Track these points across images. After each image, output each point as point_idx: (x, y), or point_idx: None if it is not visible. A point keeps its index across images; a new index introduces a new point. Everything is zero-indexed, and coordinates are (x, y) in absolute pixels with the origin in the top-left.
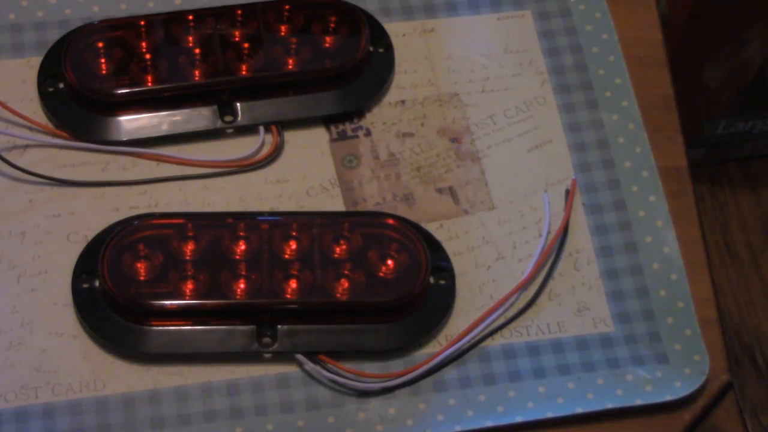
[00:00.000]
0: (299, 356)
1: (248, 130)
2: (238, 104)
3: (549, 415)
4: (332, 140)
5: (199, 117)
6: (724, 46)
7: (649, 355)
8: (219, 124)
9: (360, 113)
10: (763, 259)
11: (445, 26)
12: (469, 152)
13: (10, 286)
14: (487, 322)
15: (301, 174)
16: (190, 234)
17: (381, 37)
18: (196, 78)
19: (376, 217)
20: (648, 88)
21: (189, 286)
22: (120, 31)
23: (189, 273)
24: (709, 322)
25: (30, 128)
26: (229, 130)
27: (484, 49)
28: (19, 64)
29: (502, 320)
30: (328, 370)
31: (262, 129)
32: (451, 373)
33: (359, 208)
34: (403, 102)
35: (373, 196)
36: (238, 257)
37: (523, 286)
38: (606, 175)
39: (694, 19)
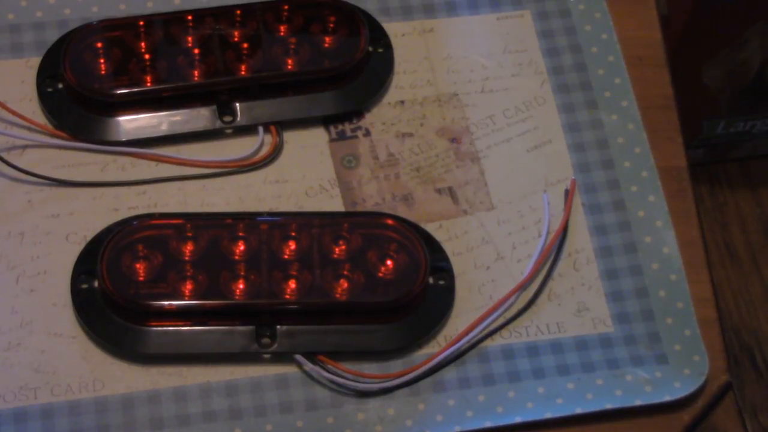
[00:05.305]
0: (298, 357)
1: (247, 130)
2: (237, 104)
3: (548, 415)
4: (331, 140)
5: (198, 117)
6: (724, 46)
7: (649, 355)
8: (218, 124)
9: (359, 113)
10: (763, 259)
11: (444, 26)
12: (468, 152)
13: (9, 287)
14: (487, 322)
15: (300, 174)
16: (189, 234)
17: (380, 37)
18: (195, 78)
19: (376, 217)
20: (647, 88)
21: (188, 286)
22: (119, 32)
23: (188, 273)
24: (709, 323)
25: (29, 128)
26: (228, 131)
27: (484, 49)
28: (18, 64)
29: (501, 321)
30: (328, 371)
31: (261, 129)
32: (450, 373)
33: (358, 209)
34: (402, 102)
35: (372, 196)
36: (237, 258)
37: (523, 287)
38: (605, 175)
39: (694, 19)
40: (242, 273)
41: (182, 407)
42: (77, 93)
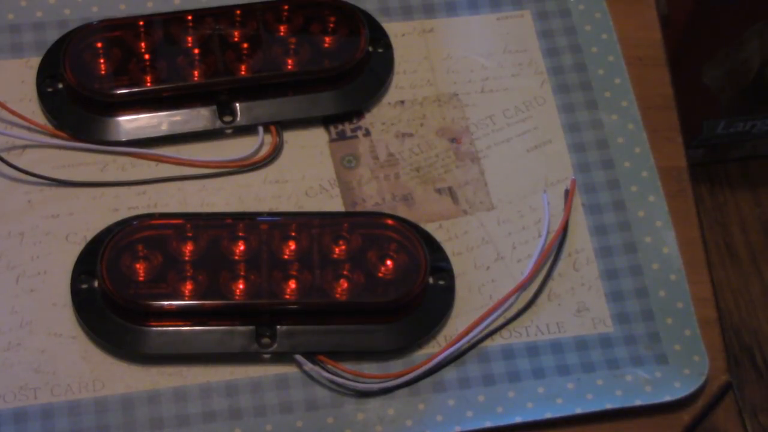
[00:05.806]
0: (298, 357)
1: (247, 130)
2: (237, 104)
3: (548, 415)
4: (331, 140)
5: (198, 117)
6: (724, 46)
7: (649, 355)
8: (218, 124)
9: (359, 113)
10: (763, 259)
11: (444, 26)
12: (468, 152)
13: (9, 287)
14: (487, 322)
15: (300, 174)
16: (189, 234)
17: (380, 37)
18: (195, 78)
19: (376, 217)
20: (647, 88)
21: (188, 286)
22: (119, 32)
23: (188, 273)
24: (709, 323)
25: (29, 128)
26: (228, 131)
27: (484, 49)
28: (18, 64)
29: (501, 321)
30: (327, 371)
31: (261, 129)
32: (450, 373)
33: (358, 209)
34: (402, 102)
35: (372, 196)
36: (237, 258)
37: (523, 287)
38: (605, 175)
39: (694, 19)
40: (242, 273)
41: (182, 407)
42: (77, 93)
